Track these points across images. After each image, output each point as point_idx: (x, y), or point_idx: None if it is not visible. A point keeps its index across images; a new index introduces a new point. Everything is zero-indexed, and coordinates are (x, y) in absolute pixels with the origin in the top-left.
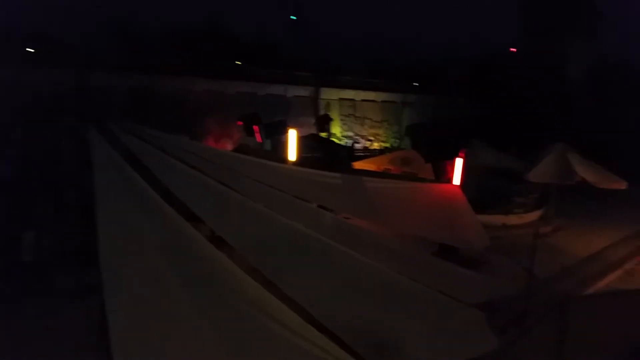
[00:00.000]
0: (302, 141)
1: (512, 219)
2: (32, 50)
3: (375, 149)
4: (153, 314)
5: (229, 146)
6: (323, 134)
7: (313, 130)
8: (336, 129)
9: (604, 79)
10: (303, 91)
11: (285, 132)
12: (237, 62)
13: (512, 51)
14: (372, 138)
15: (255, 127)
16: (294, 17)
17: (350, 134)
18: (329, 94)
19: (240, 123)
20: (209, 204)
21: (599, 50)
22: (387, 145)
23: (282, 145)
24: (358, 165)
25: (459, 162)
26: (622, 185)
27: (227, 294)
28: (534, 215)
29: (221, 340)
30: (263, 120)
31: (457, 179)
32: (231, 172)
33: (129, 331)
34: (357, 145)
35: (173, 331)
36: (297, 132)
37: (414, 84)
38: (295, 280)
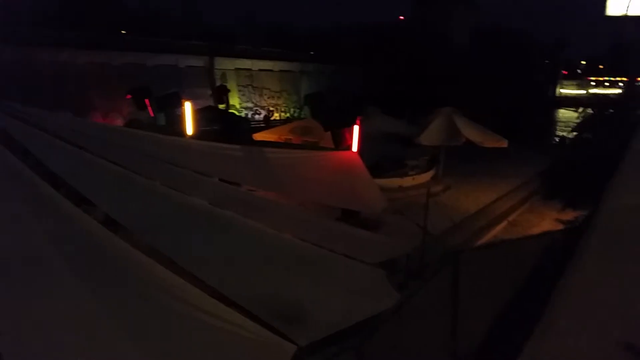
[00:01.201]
0: (199, 114)
1: (407, 181)
2: None
3: (275, 120)
4: (46, 309)
5: (119, 122)
6: (221, 106)
7: (210, 103)
8: (235, 100)
9: (485, 44)
10: (197, 61)
11: (179, 104)
12: (122, 32)
13: (400, 19)
14: (272, 108)
15: (147, 101)
16: None
17: (249, 104)
18: (225, 64)
19: (130, 96)
20: (100, 186)
21: (480, 16)
22: (288, 115)
23: (177, 119)
24: (259, 136)
25: (356, 130)
26: (504, 144)
27: (126, 279)
28: (426, 177)
29: (121, 325)
30: (155, 93)
31: (355, 146)
32: (122, 149)
33: (20, 326)
34: (257, 116)
35: (68, 322)
36: (193, 105)
37: (311, 52)
38: (200, 257)
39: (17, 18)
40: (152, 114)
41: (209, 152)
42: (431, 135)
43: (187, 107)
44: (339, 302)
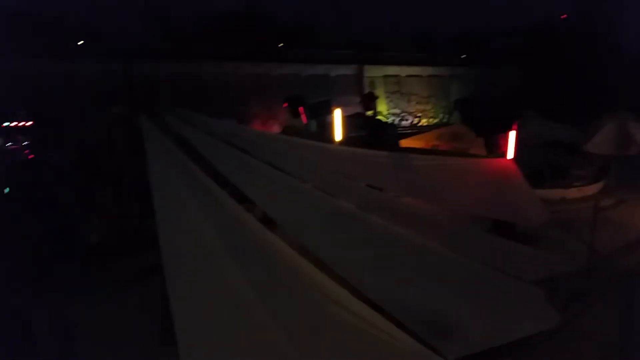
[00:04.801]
0: (348, 120)
1: (572, 193)
2: (81, 43)
3: (423, 126)
4: (210, 294)
5: (276, 128)
6: (369, 113)
7: (358, 109)
8: (382, 107)
9: None
10: (346, 70)
11: (330, 112)
12: (279, 45)
13: (563, 17)
14: (419, 114)
15: (301, 109)
16: None
17: (396, 111)
18: (373, 71)
19: (286, 105)
20: (259, 186)
21: None
22: (436, 121)
23: (327, 126)
24: (405, 143)
25: (512, 135)
26: None
27: (280, 274)
28: (594, 189)
29: (276, 319)
30: (308, 101)
31: (510, 153)
32: (279, 154)
33: (189, 310)
34: (404, 123)
35: (230, 310)
36: (342, 112)
37: (461, 56)
38: (346, 260)
39: (180, 35)
40: (305, 121)
41: (357, 158)
42: (600, 142)
43: (337, 115)
44: (492, 318)
